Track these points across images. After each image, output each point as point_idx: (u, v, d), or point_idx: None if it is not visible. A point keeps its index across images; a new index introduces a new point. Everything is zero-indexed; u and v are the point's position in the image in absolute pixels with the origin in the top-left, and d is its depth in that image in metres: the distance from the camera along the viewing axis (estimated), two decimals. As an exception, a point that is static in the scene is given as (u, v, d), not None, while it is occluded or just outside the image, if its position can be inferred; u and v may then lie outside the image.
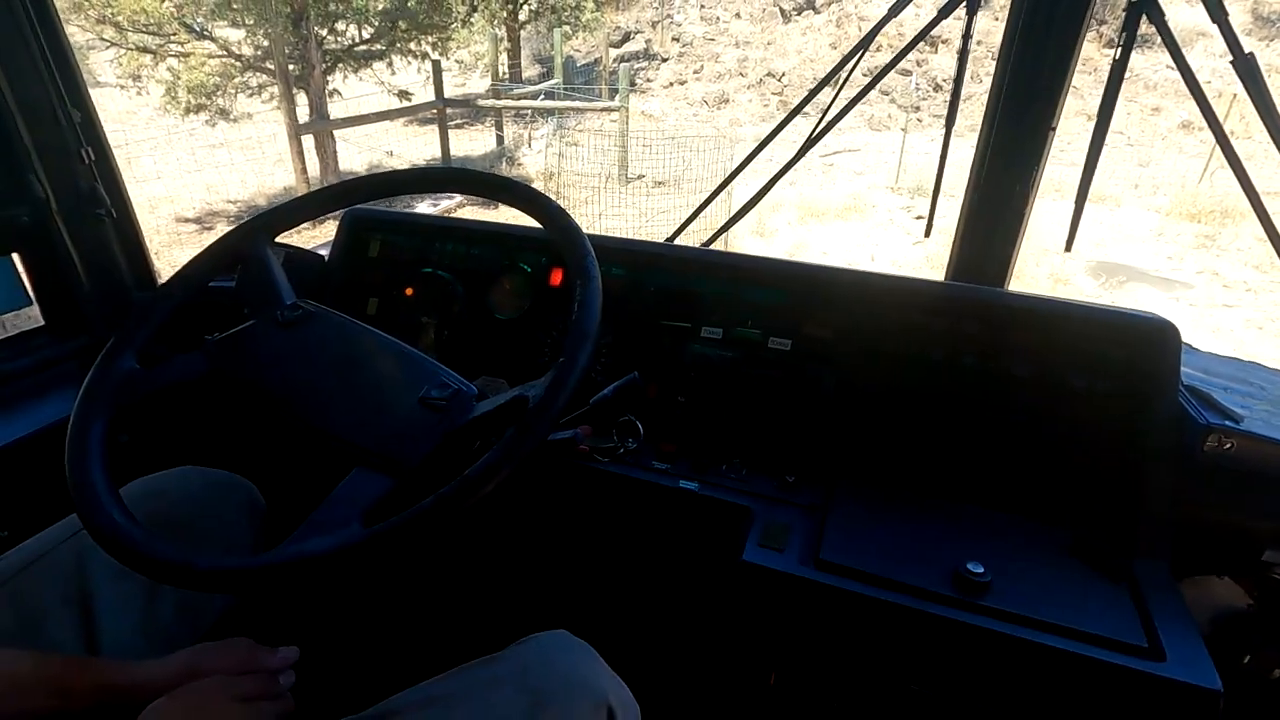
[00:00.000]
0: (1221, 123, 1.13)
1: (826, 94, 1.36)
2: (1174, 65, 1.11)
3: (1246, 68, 1.01)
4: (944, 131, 1.27)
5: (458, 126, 12.33)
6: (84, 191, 1.24)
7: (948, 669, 0.90)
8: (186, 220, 8.27)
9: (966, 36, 1.14)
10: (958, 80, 1.19)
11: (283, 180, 9.35)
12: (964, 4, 1.15)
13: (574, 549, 1.28)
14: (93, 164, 1.25)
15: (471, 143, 11.88)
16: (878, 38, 1.25)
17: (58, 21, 1.20)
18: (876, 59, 9.30)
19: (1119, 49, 1.06)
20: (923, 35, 1.18)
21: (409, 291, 1.30)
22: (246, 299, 0.97)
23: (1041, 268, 6.56)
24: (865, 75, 1.27)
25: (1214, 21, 1.01)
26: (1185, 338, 1.03)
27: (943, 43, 12.46)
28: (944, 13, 1.15)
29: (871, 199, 8.57)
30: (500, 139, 11.04)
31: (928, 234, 1.33)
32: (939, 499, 1.02)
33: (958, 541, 0.94)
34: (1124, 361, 0.99)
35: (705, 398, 1.15)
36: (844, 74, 1.31)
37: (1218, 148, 1.11)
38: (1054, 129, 1.11)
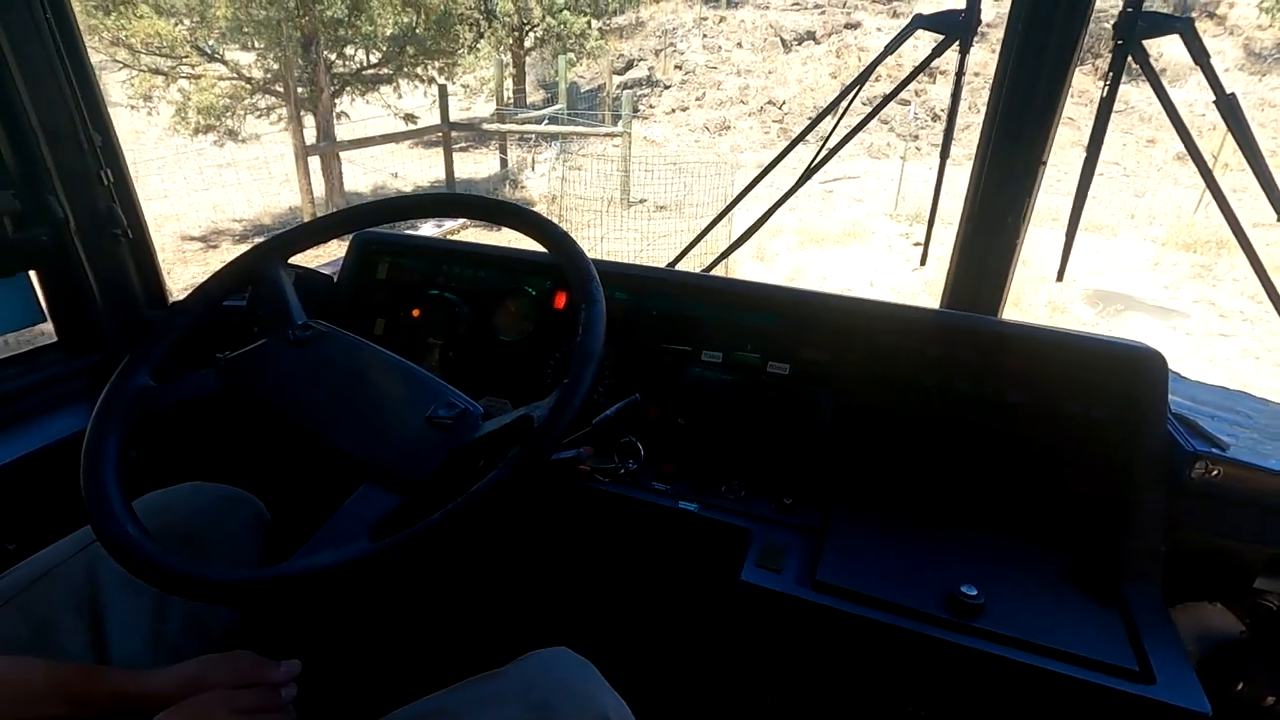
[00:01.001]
0: (1213, 156, 1.16)
1: (827, 123, 1.41)
2: (1165, 100, 1.15)
3: (1228, 106, 1.05)
4: (940, 161, 1.31)
5: (462, 149, 12.50)
6: (102, 212, 1.27)
7: (942, 690, 0.91)
8: (192, 238, 8.35)
9: (960, 74, 1.18)
10: (951, 114, 1.23)
11: (288, 200, 9.45)
12: (957, 42, 1.20)
13: (575, 567, 1.30)
14: (111, 186, 1.28)
15: (476, 165, 12.03)
16: (878, 68, 1.29)
17: (82, 48, 1.24)
18: (876, 89, 9.46)
19: (1105, 87, 1.10)
20: (917, 73, 1.22)
21: (416, 312, 1.33)
22: (259, 318, 0.99)
23: (1040, 295, 6.61)
24: (865, 104, 1.31)
25: (1196, 63, 1.05)
26: (1183, 367, 1.05)
27: (941, 73, 12.67)
28: (937, 51, 1.20)
29: (871, 225, 8.66)
30: (504, 162, 11.18)
31: (923, 262, 1.36)
32: (934, 522, 1.04)
33: (952, 564, 0.95)
34: (1113, 389, 1.02)
35: (705, 420, 1.17)
36: (844, 105, 1.35)
37: (1213, 177, 1.15)
38: (1045, 162, 1.14)
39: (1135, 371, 1.01)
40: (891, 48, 1.24)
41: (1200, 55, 1.06)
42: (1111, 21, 1.09)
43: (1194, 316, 6.54)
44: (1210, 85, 1.08)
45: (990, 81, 1.15)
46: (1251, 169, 1.06)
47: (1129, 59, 1.10)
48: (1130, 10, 1.06)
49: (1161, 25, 1.06)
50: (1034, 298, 6.57)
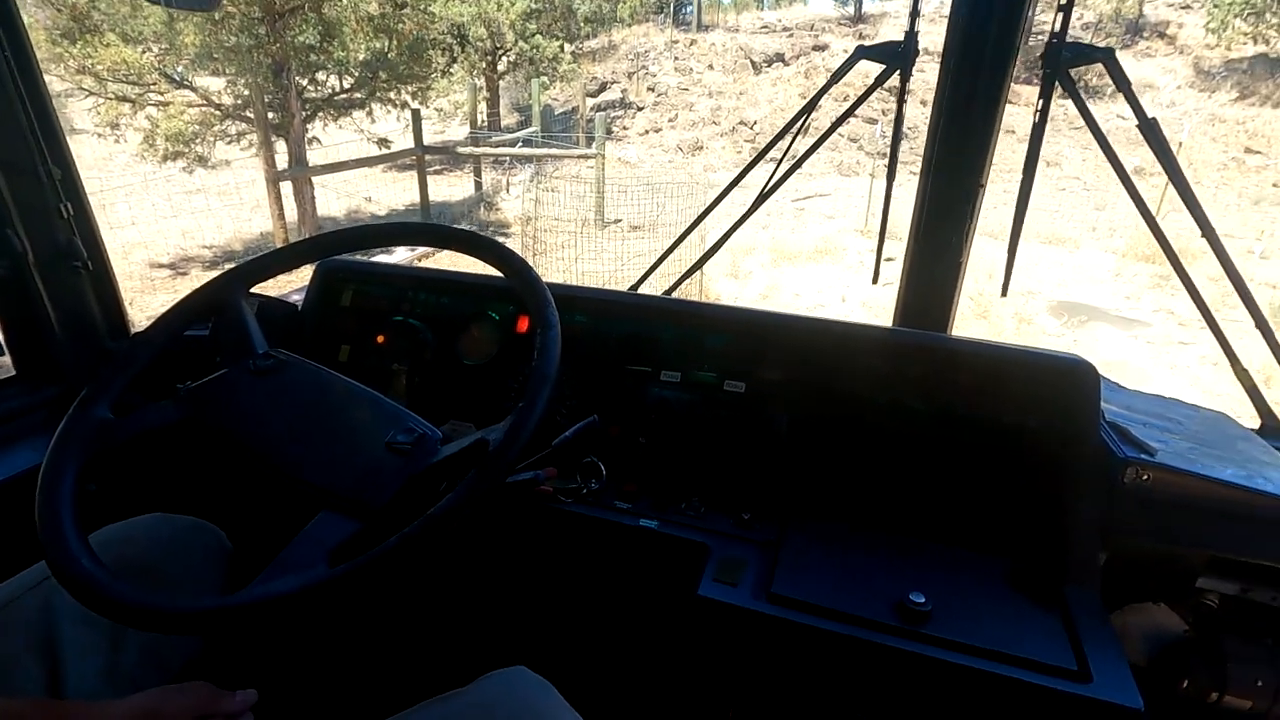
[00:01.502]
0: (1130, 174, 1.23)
1: (780, 147, 1.45)
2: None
3: (1149, 129, 1.11)
4: (887, 183, 1.36)
5: (437, 173, 12.52)
6: (61, 245, 1.27)
7: (894, 697, 0.93)
8: (160, 266, 8.23)
9: (901, 100, 1.24)
10: (895, 138, 1.28)
11: (260, 226, 9.38)
12: (899, 71, 1.25)
13: (535, 587, 1.31)
14: (71, 219, 1.28)
15: (450, 188, 12.04)
16: (844, 89, 1.35)
17: (40, 81, 1.25)
18: (844, 109, 9.63)
19: (1037, 113, 1.16)
20: (858, 103, 1.27)
21: (380, 339, 1.34)
22: (220, 348, 1.00)
23: (1007, 308, 6.76)
24: (830, 120, 1.36)
25: (1119, 89, 1.11)
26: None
27: (908, 92, 12.97)
28: (879, 80, 1.25)
29: (842, 242, 8.80)
30: (478, 185, 11.21)
31: (875, 280, 1.41)
32: (886, 533, 1.07)
33: (902, 573, 0.98)
34: (1049, 400, 1.06)
35: (665, 438, 1.19)
36: (797, 127, 1.40)
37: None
38: (983, 185, 1.20)
39: (1070, 382, 1.05)
40: (836, 78, 1.30)
41: (1122, 82, 1.12)
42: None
43: (1155, 325, 6.72)
44: (1133, 109, 1.14)
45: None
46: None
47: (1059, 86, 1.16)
48: (1055, 42, 1.12)
49: (1085, 55, 1.13)
50: (1001, 311, 6.71)
